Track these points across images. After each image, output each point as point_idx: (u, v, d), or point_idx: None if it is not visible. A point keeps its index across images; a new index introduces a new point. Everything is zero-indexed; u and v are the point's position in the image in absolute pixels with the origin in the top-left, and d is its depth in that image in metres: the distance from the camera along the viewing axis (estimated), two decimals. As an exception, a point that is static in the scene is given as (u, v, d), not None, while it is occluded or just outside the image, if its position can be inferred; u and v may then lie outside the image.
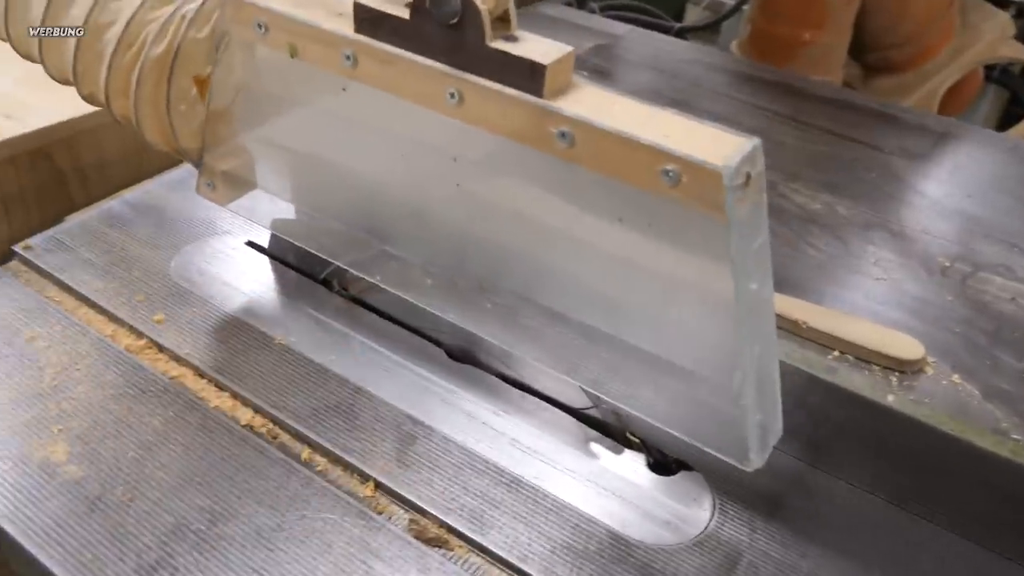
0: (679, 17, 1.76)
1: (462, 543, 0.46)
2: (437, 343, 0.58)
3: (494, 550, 0.45)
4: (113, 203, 0.70)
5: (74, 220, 0.68)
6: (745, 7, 1.34)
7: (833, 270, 0.72)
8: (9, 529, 0.44)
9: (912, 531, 0.49)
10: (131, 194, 0.72)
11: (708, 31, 1.55)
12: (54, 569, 0.42)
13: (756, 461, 0.44)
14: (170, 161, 0.77)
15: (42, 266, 0.62)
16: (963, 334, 0.65)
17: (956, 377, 0.61)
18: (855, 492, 0.51)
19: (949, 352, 0.63)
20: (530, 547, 0.45)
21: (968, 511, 0.50)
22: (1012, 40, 1.23)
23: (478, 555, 0.45)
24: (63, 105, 0.73)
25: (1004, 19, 1.23)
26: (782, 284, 0.67)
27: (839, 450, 0.53)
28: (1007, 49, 1.22)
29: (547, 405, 0.55)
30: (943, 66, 1.21)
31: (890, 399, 0.58)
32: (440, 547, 0.45)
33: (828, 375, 0.60)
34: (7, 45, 0.59)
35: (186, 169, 0.74)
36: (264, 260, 0.65)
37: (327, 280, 0.63)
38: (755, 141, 0.37)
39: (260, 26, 0.48)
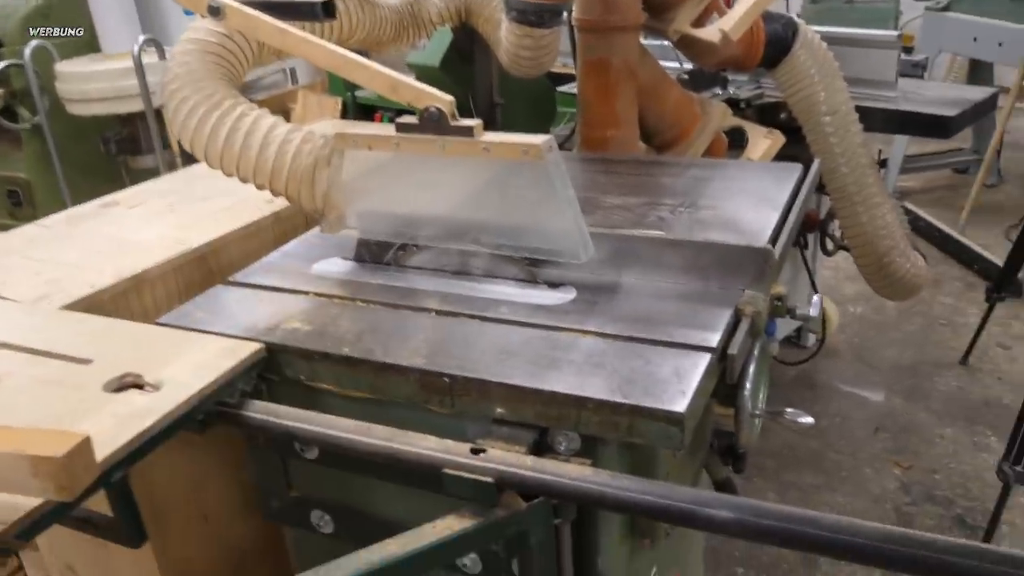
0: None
1: (479, 319, 1.12)
2: (443, 271, 1.26)
3: (496, 317, 1.12)
4: (272, 256, 1.37)
5: (252, 267, 1.34)
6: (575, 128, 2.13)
7: (623, 223, 1.43)
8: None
9: (650, 285, 1.18)
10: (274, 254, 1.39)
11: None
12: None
13: (583, 257, 1.13)
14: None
15: (259, 283, 1.28)
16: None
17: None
18: (641, 278, 1.20)
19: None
20: (515, 313, 1.12)
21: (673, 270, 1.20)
22: (731, 116, 2.06)
23: (492, 321, 1.12)
24: (204, 235, 1.42)
25: (723, 105, 2.06)
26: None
27: (628, 265, 1.23)
28: (730, 121, 2.05)
29: (503, 279, 1.23)
30: (697, 137, 2.00)
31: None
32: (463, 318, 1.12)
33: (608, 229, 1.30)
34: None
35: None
36: (351, 263, 1.32)
37: (388, 262, 1.31)
38: (551, 135, 1.09)
39: (355, 141, 1.19)
